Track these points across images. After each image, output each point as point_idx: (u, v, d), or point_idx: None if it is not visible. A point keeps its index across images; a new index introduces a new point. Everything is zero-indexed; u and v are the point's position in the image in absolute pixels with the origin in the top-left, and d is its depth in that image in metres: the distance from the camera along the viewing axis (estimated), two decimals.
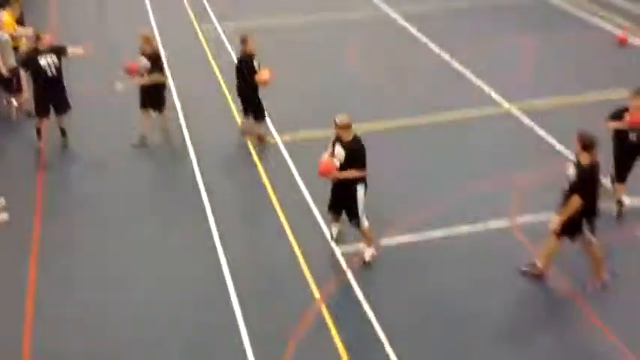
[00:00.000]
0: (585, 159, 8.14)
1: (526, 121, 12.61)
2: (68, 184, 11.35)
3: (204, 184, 10.91)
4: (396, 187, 10.63)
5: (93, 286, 8.89)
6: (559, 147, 11.66)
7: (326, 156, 8.76)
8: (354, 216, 8.91)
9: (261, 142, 11.94)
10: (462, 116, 12.80)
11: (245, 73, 11.51)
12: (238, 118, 12.62)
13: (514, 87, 13.76)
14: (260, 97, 11.74)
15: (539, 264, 8.69)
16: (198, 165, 11.42)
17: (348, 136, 8.67)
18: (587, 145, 8.10)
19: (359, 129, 8.98)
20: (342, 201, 8.98)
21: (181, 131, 12.45)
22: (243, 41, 11.55)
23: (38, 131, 11.95)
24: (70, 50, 11.71)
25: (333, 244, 9.36)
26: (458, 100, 13.40)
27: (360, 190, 8.75)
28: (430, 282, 8.86)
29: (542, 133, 12.16)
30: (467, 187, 10.53)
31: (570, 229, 8.32)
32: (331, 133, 8.89)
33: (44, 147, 11.98)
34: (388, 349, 7.80)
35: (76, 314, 8.43)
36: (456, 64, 14.97)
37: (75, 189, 11.19)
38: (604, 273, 8.56)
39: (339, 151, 8.69)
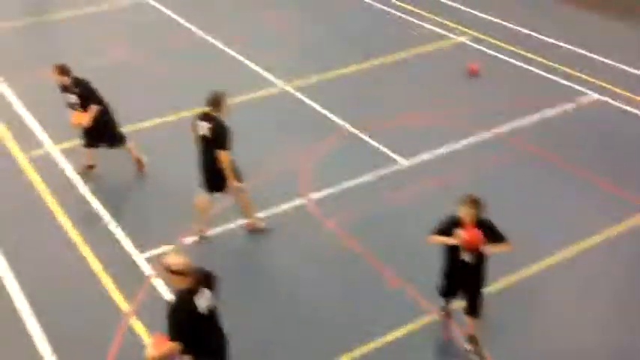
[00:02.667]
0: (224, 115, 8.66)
1: (301, 97, 13.01)
2: None
3: None
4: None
5: None
6: (335, 118, 12.23)
7: None
8: None
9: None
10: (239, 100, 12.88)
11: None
12: None
13: (284, 65, 14.10)
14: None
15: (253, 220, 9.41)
16: None
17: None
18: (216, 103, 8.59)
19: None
20: None
21: None
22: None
23: None
24: None
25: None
26: (230, 83, 13.45)
27: None
28: (231, 270, 8.93)
29: (317, 106, 12.64)
30: (259, 172, 10.66)
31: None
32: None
33: None
34: None
35: None
36: (220, 45, 14.98)
37: None
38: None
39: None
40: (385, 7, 17.04)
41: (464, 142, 11.37)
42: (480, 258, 7.18)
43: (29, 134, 11.84)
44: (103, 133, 10.40)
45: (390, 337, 7.82)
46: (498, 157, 11.05)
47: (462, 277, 7.38)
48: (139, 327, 8.01)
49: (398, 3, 17.25)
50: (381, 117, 12.23)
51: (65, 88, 10.19)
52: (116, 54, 14.64)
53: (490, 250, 7.06)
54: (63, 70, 10.07)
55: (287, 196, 10.14)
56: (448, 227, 7.11)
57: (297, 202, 10.07)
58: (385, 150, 11.22)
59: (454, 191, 9.58)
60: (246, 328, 7.91)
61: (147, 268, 8.87)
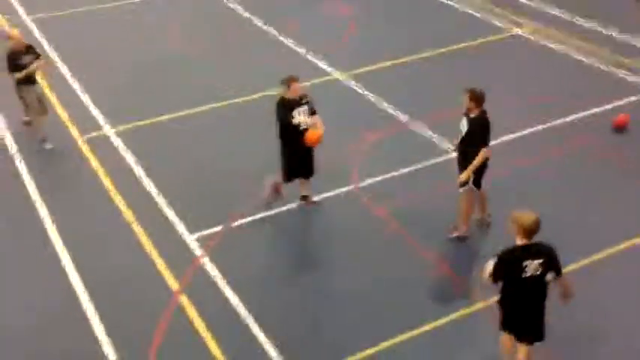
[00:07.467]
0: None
1: (355, 87, 13.04)
2: None
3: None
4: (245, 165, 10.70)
5: None
6: (389, 108, 12.20)
7: None
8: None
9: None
10: None
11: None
12: None
13: (340, 56, 14.13)
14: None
15: (461, 225, 9.05)
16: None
17: None
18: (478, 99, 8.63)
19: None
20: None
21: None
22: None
23: None
24: None
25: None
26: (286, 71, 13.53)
27: None
28: (279, 252, 9.11)
29: (373, 98, 12.66)
30: None
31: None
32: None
33: None
34: (257, 332, 7.89)
35: None
36: (281, 37, 15.09)
37: None
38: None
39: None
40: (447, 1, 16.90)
41: (518, 134, 11.20)
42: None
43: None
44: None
45: (435, 323, 7.85)
46: (557, 149, 10.88)
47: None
48: (187, 305, 8.22)
49: None
50: (435, 108, 12.12)
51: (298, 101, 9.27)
52: (172, 44, 14.89)
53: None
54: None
55: (337, 183, 10.23)
56: None
57: (346, 188, 10.16)
58: (438, 139, 11.17)
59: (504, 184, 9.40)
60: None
61: (196, 249, 9.08)
